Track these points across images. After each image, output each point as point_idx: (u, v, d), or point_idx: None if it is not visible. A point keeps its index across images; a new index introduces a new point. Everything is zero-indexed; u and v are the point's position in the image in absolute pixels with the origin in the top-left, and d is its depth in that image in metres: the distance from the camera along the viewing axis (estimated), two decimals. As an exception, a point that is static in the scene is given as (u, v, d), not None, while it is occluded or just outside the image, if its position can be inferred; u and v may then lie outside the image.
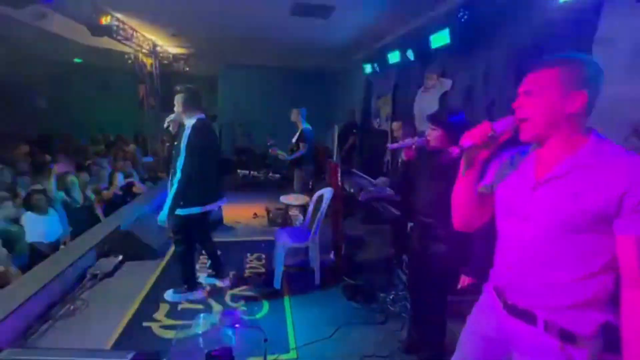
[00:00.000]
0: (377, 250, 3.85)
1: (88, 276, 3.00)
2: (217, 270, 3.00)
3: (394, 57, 4.44)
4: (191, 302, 2.77)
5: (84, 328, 2.38)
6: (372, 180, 3.90)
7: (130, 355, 1.61)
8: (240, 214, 5.08)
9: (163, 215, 2.46)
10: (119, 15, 4.59)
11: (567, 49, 1.76)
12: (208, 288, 2.94)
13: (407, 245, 2.27)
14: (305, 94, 7.67)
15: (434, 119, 1.84)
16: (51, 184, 4.02)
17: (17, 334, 2.18)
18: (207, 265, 3.24)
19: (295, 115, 4.45)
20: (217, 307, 2.72)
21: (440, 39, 3.34)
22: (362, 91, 6.67)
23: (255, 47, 6.38)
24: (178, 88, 2.63)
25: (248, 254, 3.73)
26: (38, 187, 3.84)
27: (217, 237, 4.05)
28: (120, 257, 3.31)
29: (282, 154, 4.64)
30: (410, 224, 2.26)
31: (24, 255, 3.32)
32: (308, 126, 4.42)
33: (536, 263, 0.91)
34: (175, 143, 2.54)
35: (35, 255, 3.37)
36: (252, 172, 7.27)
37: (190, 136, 2.43)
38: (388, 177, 3.98)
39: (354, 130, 6.35)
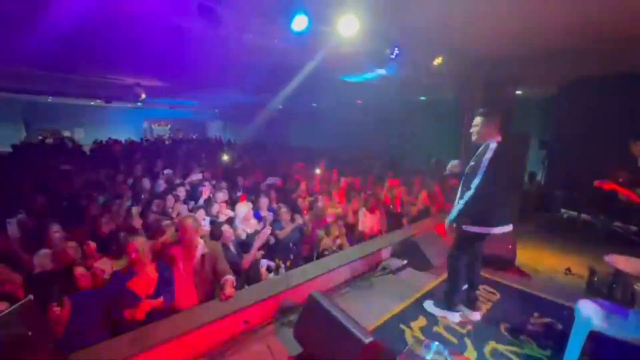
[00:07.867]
0: None
1: (381, 266, 3.76)
2: (470, 300, 2.89)
3: None
4: (447, 328, 2.70)
5: (364, 302, 3.06)
6: None
7: (368, 339, 1.89)
8: (545, 261, 4.05)
9: (451, 216, 2.66)
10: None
11: None
12: (466, 313, 2.86)
13: None
14: None
15: None
16: (383, 191, 5.47)
17: (328, 288, 3.20)
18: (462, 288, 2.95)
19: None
20: (471, 353, 2.43)
21: None
22: None
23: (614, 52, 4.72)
24: (480, 111, 2.65)
25: (535, 314, 2.94)
26: (370, 193, 5.32)
27: (504, 279, 3.55)
28: (405, 262, 3.82)
29: None
30: None
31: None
32: None
33: None
34: (472, 163, 2.58)
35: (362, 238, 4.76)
36: (582, 216, 5.47)
37: (491, 158, 2.45)
38: None
39: None
